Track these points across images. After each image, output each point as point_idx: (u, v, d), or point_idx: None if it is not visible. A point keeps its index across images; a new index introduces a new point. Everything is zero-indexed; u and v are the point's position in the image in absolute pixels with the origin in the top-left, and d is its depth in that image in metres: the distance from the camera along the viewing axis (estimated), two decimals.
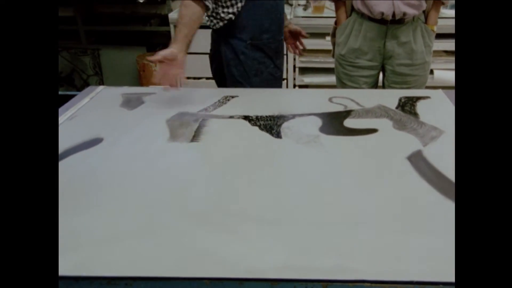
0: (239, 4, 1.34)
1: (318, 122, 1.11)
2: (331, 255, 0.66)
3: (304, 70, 2.68)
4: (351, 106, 1.21)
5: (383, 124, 1.09)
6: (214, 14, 1.36)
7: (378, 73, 1.68)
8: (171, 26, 2.48)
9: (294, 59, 2.60)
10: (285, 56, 1.63)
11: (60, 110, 1.21)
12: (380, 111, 1.16)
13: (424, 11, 1.54)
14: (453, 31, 2.24)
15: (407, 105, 1.20)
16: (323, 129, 1.07)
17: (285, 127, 1.08)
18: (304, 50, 1.71)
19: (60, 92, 1.41)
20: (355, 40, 1.59)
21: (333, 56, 1.74)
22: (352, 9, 1.60)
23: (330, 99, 1.26)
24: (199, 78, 2.77)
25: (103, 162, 0.93)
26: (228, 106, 1.23)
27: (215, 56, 1.56)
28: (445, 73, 2.51)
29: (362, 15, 1.55)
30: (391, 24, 1.52)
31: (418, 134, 1.03)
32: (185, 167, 0.92)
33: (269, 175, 0.88)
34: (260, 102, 1.25)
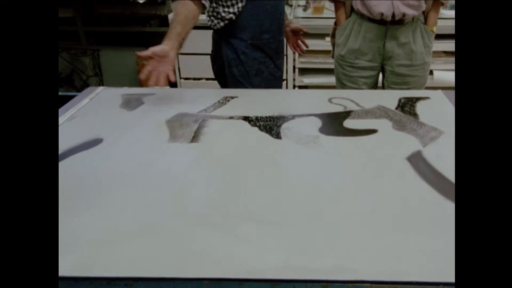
0: (240, 4, 1.34)
1: (318, 122, 1.11)
2: (331, 255, 0.66)
3: (303, 71, 2.68)
4: (351, 106, 1.21)
5: (383, 125, 1.09)
6: (215, 14, 1.37)
7: (378, 74, 1.68)
8: None
9: (294, 60, 2.60)
10: (284, 57, 1.64)
11: (60, 110, 1.21)
12: (380, 112, 1.16)
13: (423, 12, 1.54)
14: (452, 31, 2.24)
15: (407, 106, 1.20)
16: (322, 130, 1.07)
17: (284, 127, 1.08)
18: (306, 47, 1.71)
19: (60, 93, 1.41)
20: (355, 40, 1.59)
21: (332, 56, 1.75)
22: (352, 9, 1.60)
23: (329, 100, 1.26)
24: (199, 79, 2.77)
25: (103, 163, 0.93)
26: (228, 107, 1.23)
27: (216, 57, 1.57)
28: (445, 73, 2.52)
29: (361, 15, 1.56)
30: (390, 24, 1.52)
31: (417, 135, 1.03)
32: (185, 168, 0.92)
33: (269, 175, 0.88)
34: (259, 102, 1.25)
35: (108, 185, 0.85)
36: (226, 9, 1.34)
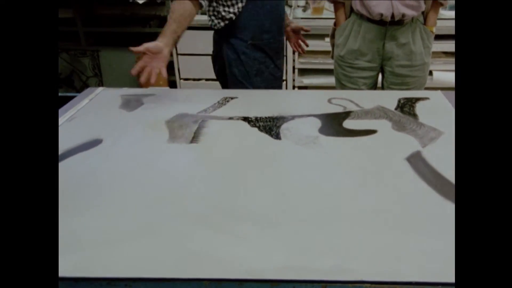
0: (240, 4, 1.35)
1: (318, 123, 1.11)
2: (330, 255, 0.66)
3: (303, 71, 2.68)
4: (350, 107, 1.21)
5: (382, 125, 1.09)
6: (215, 13, 1.37)
7: (377, 74, 1.68)
8: None
9: (294, 61, 2.60)
10: (284, 57, 1.64)
11: (59, 111, 1.21)
12: (379, 112, 1.17)
13: (423, 12, 1.54)
14: (452, 32, 2.25)
15: (406, 106, 1.20)
16: (322, 130, 1.07)
17: (284, 128, 1.08)
18: (307, 46, 1.72)
19: (59, 94, 1.41)
20: (354, 41, 1.59)
21: (332, 57, 1.75)
22: (351, 10, 1.60)
23: (329, 100, 1.26)
24: (198, 80, 2.77)
25: (103, 163, 0.93)
26: (228, 107, 1.23)
27: (217, 58, 1.57)
28: (444, 74, 2.52)
29: (361, 16, 1.56)
30: (390, 25, 1.52)
31: (417, 135, 1.03)
32: (185, 168, 0.92)
33: (269, 176, 0.88)
34: (259, 103, 1.25)
35: (108, 185, 0.85)
36: (226, 9, 1.34)
